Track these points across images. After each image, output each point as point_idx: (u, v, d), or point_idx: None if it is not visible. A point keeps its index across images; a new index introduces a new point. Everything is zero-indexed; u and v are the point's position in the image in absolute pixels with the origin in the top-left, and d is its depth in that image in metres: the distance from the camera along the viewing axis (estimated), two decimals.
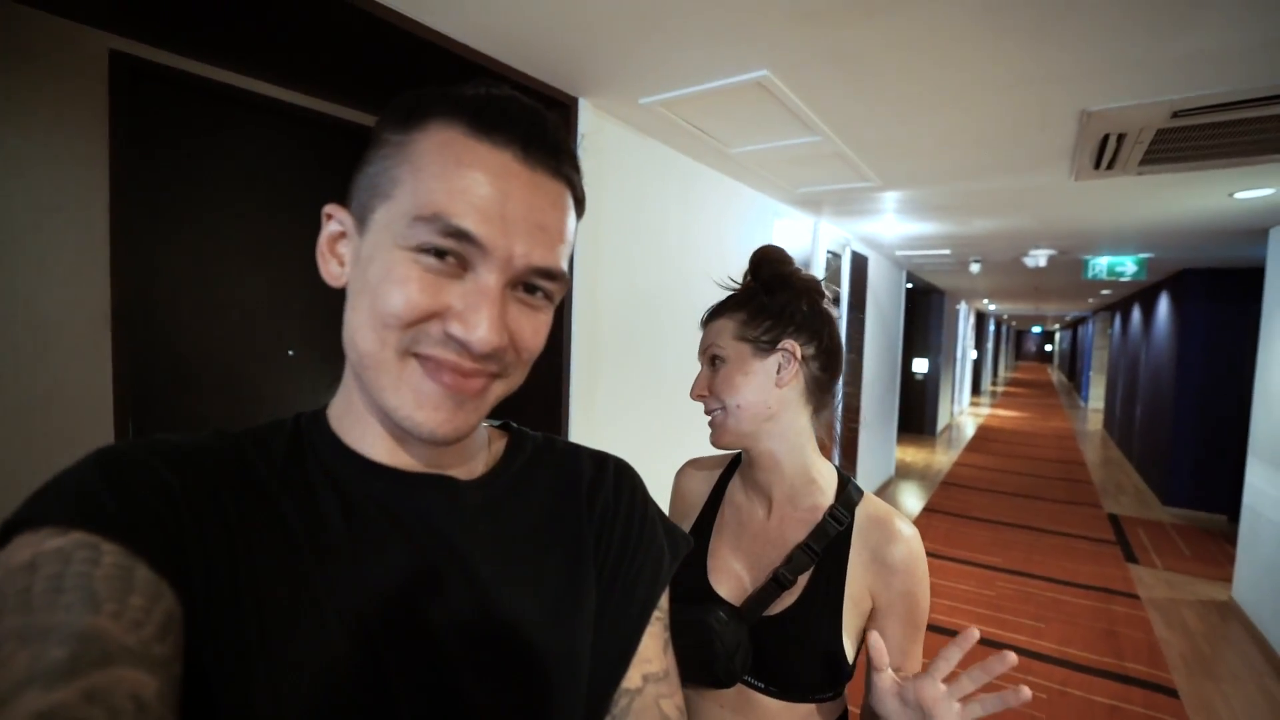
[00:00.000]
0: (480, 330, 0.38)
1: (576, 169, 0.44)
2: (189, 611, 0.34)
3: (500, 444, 0.53)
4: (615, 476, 0.55)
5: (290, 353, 1.82)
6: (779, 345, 0.79)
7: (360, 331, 0.40)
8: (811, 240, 3.60)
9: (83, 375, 1.37)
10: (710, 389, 0.81)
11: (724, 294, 0.87)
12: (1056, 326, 24.43)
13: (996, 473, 6.70)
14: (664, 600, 0.53)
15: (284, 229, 1.77)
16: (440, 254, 0.38)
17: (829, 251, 3.85)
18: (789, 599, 0.77)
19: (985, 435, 9.32)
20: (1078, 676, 2.66)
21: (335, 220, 0.43)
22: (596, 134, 1.84)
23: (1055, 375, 24.30)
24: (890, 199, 3.00)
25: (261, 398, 1.74)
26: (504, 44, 1.43)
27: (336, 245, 0.43)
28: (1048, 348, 34.06)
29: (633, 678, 0.49)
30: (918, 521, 4.85)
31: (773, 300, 0.81)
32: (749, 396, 0.79)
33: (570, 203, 0.43)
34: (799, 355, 0.80)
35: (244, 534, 0.38)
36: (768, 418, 0.79)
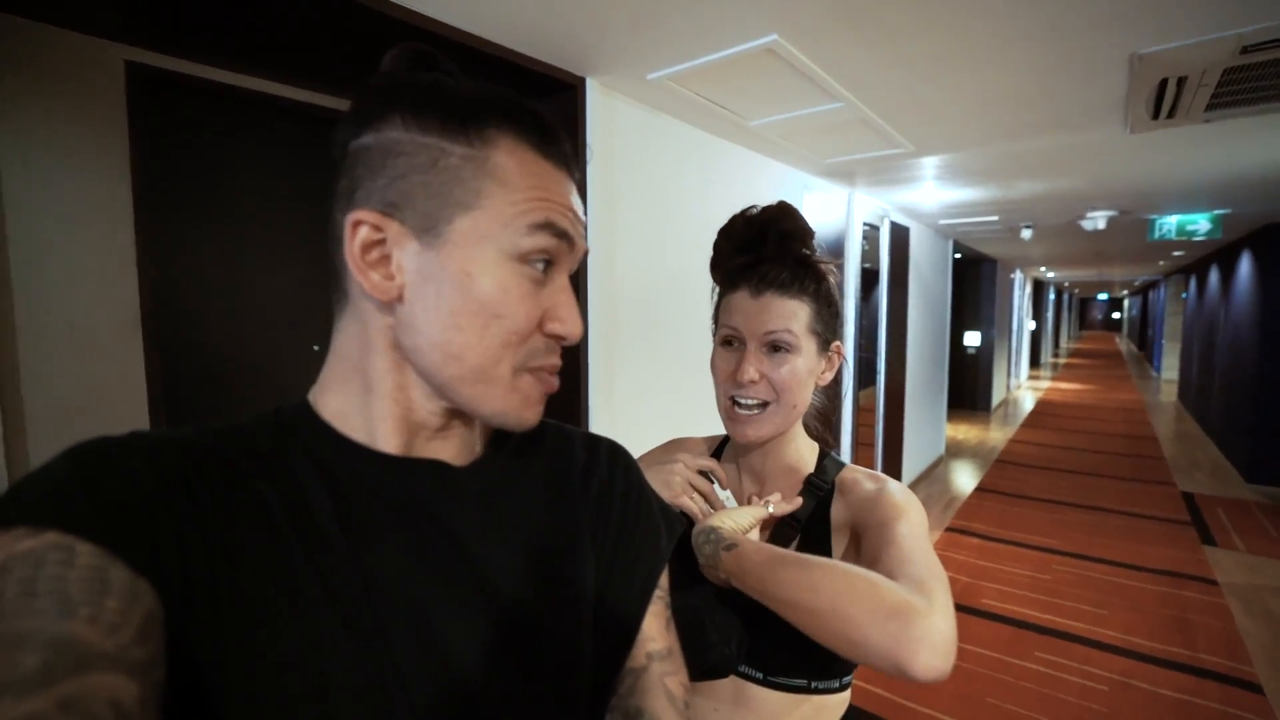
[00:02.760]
0: (574, 324, 0.45)
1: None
2: (171, 611, 0.33)
3: (487, 430, 0.52)
4: (609, 458, 0.55)
5: (316, 349, 1.86)
6: (831, 345, 0.77)
7: (472, 349, 0.42)
8: (846, 213, 3.45)
9: (117, 378, 1.43)
10: (762, 376, 0.72)
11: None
12: (1124, 293, 22.97)
13: (1056, 449, 6.36)
14: (663, 579, 0.54)
15: (305, 227, 1.80)
16: (547, 262, 0.43)
17: (866, 224, 3.68)
18: None
19: (1044, 410, 8.86)
20: (1143, 668, 2.50)
21: (367, 227, 0.41)
22: (607, 114, 1.79)
23: (1124, 344, 22.90)
24: (928, 165, 2.83)
25: (290, 393, 1.78)
26: (506, 27, 1.40)
27: (370, 253, 0.41)
28: (1115, 315, 32.12)
29: (637, 657, 0.50)
30: (969, 501, 4.66)
31: (824, 288, 0.75)
32: (807, 397, 0.75)
33: None
34: (841, 356, 0.78)
35: (226, 528, 0.37)
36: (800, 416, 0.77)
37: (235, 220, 1.68)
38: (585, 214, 0.48)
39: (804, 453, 0.81)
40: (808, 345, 0.73)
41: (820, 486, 0.76)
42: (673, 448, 0.92)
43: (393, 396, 0.44)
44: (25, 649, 0.27)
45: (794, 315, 0.72)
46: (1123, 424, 7.70)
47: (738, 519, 0.71)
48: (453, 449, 0.47)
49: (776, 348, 0.72)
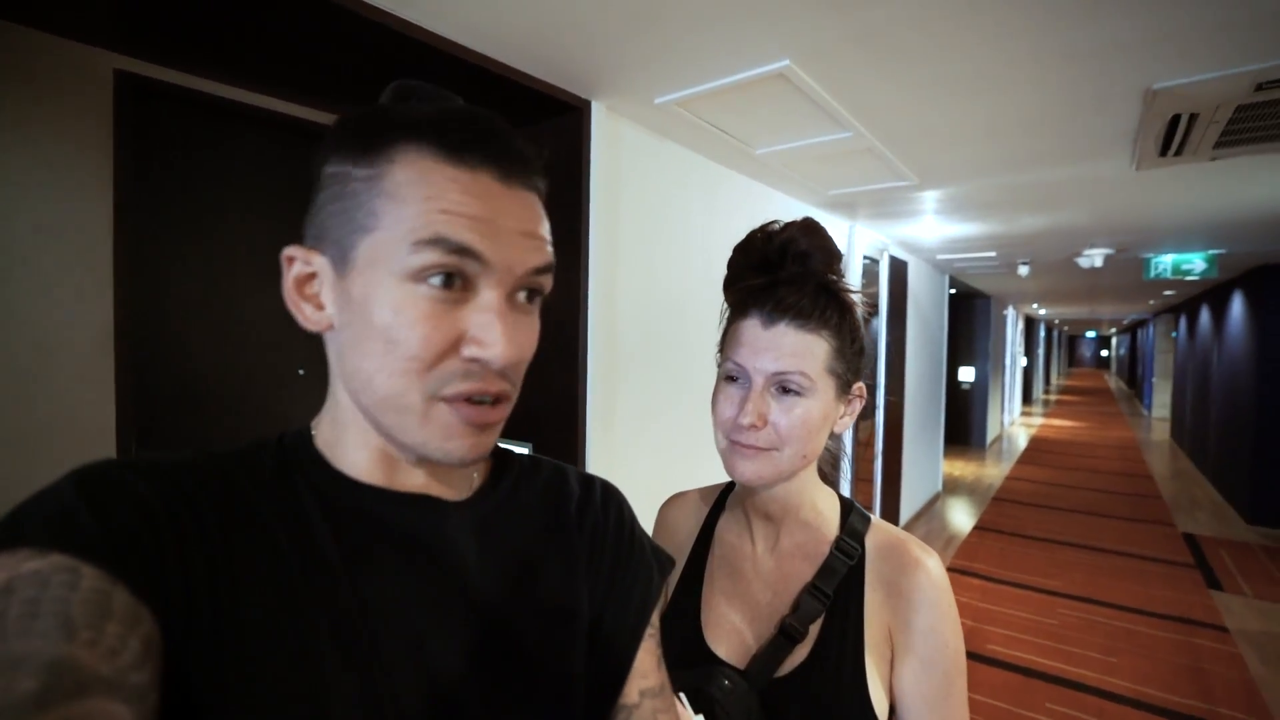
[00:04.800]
0: (497, 347, 0.39)
1: (543, 174, 0.44)
2: (170, 636, 0.33)
3: (486, 464, 0.52)
4: (603, 496, 0.56)
5: (301, 372, 1.77)
6: (853, 387, 0.68)
7: (377, 377, 0.39)
8: (847, 246, 3.44)
9: (85, 397, 1.34)
10: (766, 421, 0.62)
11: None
12: (1113, 330, 23.27)
13: (1053, 487, 6.29)
14: (654, 617, 0.54)
15: (291, 243, 1.73)
16: (447, 278, 0.38)
17: (866, 257, 3.67)
18: (801, 654, 0.64)
19: (1039, 446, 8.82)
20: None
21: (299, 262, 0.42)
22: (611, 138, 1.76)
23: (1113, 382, 23.07)
24: (929, 198, 2.82)
25: (272, 416, 1.70)
26: (512, 48, 1.36)
27: (306, 288, 0.42)
28: (1103, 353, 32.47)
29: (629, 693, 0.50)
30: (969, 540, 4.56)
31: (848, 321, 0.65)
32: (819, 446, 0.66)
33: (543, 208, 0.44)
34: (862, 399, 0.69)
35: (229, 555, 0.37)
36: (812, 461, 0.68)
37: (220, 236, 1.61)
38: (534, 225, 0.42)
39: (821, 504, 0.70)
40: (824, 387, 0.63)
41: (851, 551, 0.66)
42: (668, 507, 0.83)
43: (361, 425, 0.43)
44: (24, 671, 0.27)
45: (809, 352, 0.62)
46: (1118, 461, 7.66)
47: None
48: (445, 483, 0.47)
49: (787, 389, 0.62)
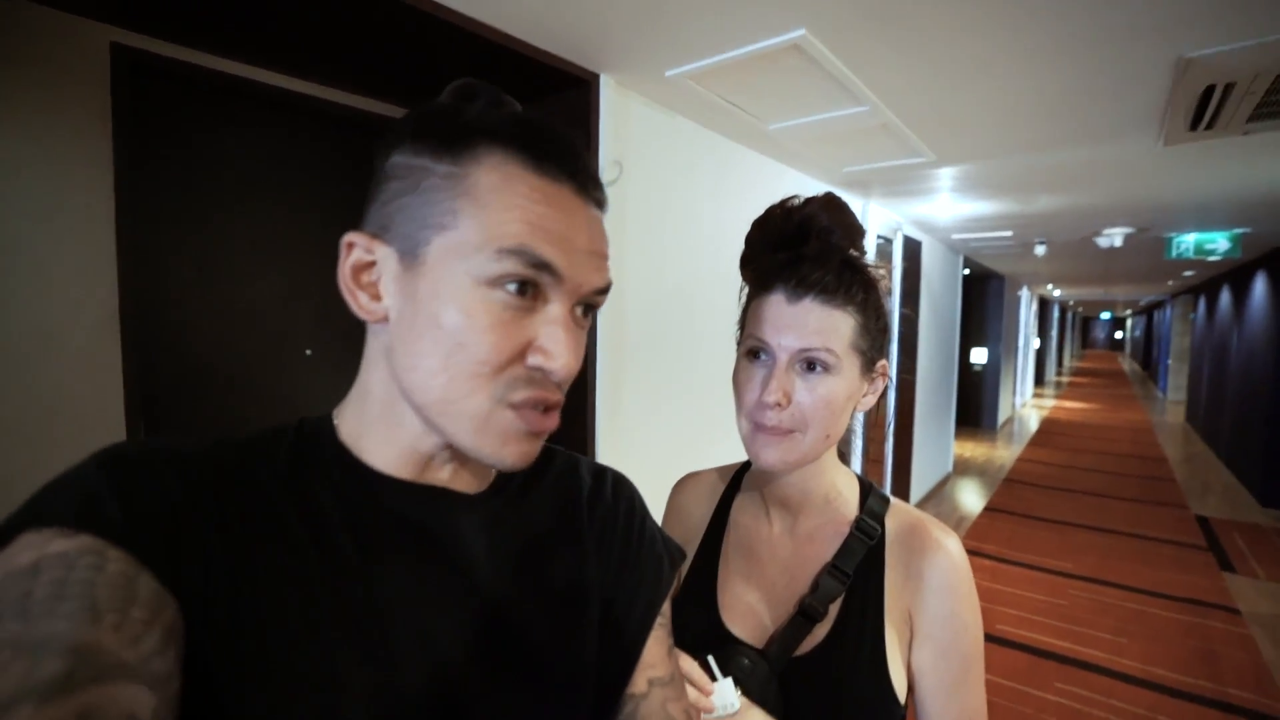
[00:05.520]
0: (562, 359, 0.40)
1: (605, 194, 0.45)
2: (191, 623, 0.33)
3: None
4: (613, 487, 0.56)
5: (308, 353, 1.76)
6: (876, 365, 0.66)
7: (439, 377, 0.39)
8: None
9: (90, 381, 1.33)
10: (790, 399, 0.60)
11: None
12: (1128, 312, 22.95)
13: (1064, 469, 6.25)
14: (665, 606, 0.54)
15: (298, 224, 1.71)
16: (522, 287, 0.39)
17: (879, 236, 3.61)
18: (820, 634, 0.63)
19: (1051, 429, 8.75)
20: (1170, 702, 2.38)
21: (359, 249, 0.41)
22: (620, 113, 1.71)
23: (1127, 364, 22.82)
24: (946, 176, 2.75)
25: (278, 399, 1.69)
26: (518, 19, 1.32)
27: (363, 276, 0.41)
28: (1118, 335, 32.08)
29: (639, 683, 0.50)
30: (979, 521, 4.55)
31: (872, 298, 0.64)
32: (843, 426, 0.64)
33: (604, 229, 0.45)
34: (886, 378, 0.67)
35: (248, 545, 0.37)
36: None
37: (224, 215, 1.59)
38: (601, 244, 0.43)
39: (841, 486, 0.69)
40: (849, 365, 0.61)
41: (871, 531, 0.65)
42: (682, 488, 0.81)
43: (396, 422, 0.43)
44: (50, 654, 0.27)
45: (836, 329, 0.60)
46: (1131, 444, 7.59)
47: None
48: (465, 477, 0.47)
49: (812, 366, 0.61)
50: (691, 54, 1.49)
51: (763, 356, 0.63)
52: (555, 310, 0.41)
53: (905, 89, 1.67)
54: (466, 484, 0.47)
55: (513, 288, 0.39)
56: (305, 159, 1.73)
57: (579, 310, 0.43)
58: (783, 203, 0.66)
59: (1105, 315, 27.12)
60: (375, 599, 0.40)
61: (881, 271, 0.66)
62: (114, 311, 1.35)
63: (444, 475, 0.46)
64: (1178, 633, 2.92)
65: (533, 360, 0.40)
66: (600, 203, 0.44)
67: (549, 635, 0.46)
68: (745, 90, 1.71)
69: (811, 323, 0.60)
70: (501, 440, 0.41)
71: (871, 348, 0.64)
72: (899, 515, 0.67)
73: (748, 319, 0.66)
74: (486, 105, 0.43)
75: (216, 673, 0.34)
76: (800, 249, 0.63)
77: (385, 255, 0.40)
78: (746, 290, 0.69)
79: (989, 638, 2.83)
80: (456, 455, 0.45)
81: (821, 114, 1.87)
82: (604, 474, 0.57)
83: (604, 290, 0.44)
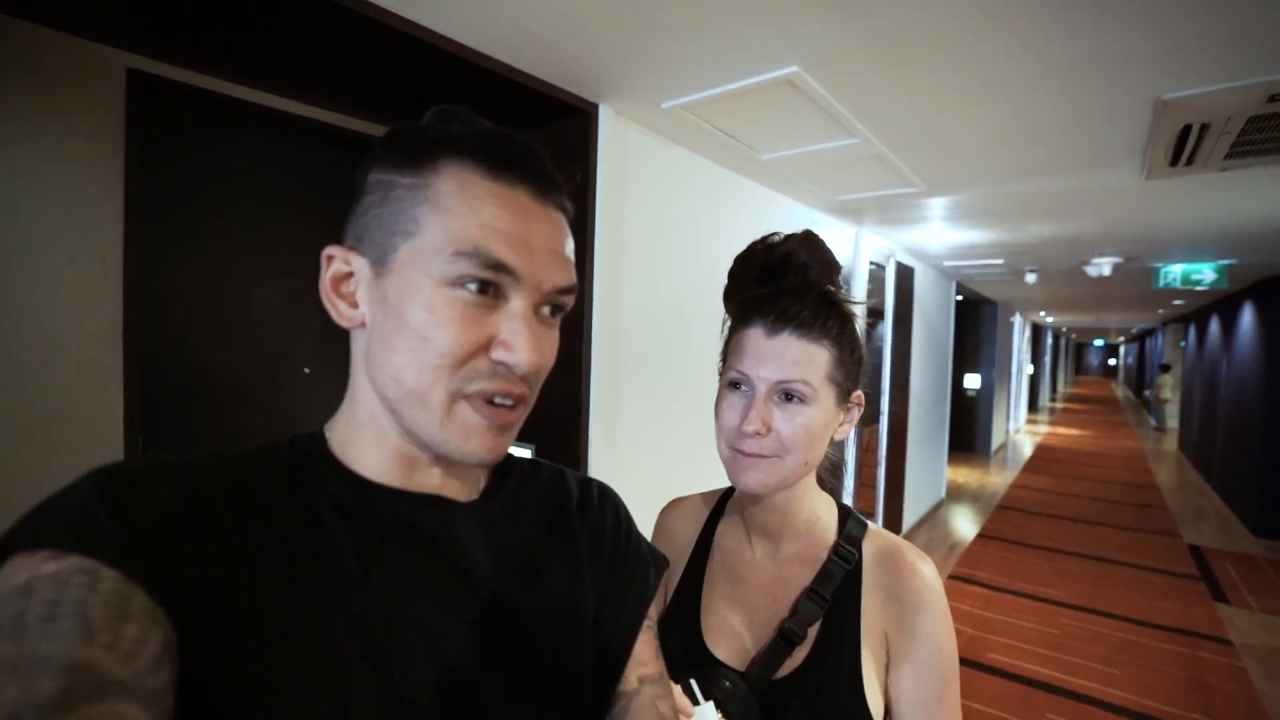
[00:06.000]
0: (523, 352, 0.42)
1: (570, 196, 0.48)
2: (189, 639, 0.33)
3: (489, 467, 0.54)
4: (600, 496, 0.58)
5: (306, 370, 1.78)
6: (851, 396, 0.69)
7: (405, 371, 0.41)
8: (853, 252, 3.43)
9: (91, 393, 1.35)
10: (770, 429, 0.63)
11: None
12: (1121, 339, 23.11)
13: (1057, 496, 6.26)
14: (652, 610, 0.57)
15: (298, 242, 1.74)
16: (482, 286, 0.41)
17: (872, 263, 3.66)
18: (799, 656, 0.65)
19: (1044, 455, 8.77)
20: None
21: (338, 261, 0.44)
22: (617, 142, 1.76)
23: (1120, 391, 22.92)
24: (937, 205, 2.82)
25: (277, 415, 1.71)
26: (521, 51, 1.37)
27: (342, 286, 0.44)
28: (1111, 361, 32.25)
29: (629, 680, 0.52)
30: (972, 548, 4.54)
31: (848, 331, 0.67)
32: (820, 453, 0.67)
33: (569, 230, 0.47)
34: (861, 407, 0.69)
35: (246, 558, 0.37)
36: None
37: (228, 232, 1.62)
38: (561, 244, 0.45)
39: (820, 511, 0.72)
40: (825, 395, 0.64)
41: (848, 556, 0.67)
42: (668, 512, 0.83)
43: (381, 427, 0.45)
44: (45, 673, 0.27)
45: (812, 361, 0.63)
46: (1124, 471, 7.61)
47: None
48: (456, 484, 0.48)
49: (790, 397, 0.64)
50: (688, 87, 1.54)
51: (743, 388, 0.66)
52: (516, 306, 0.43)
53: (894, 119, 1.72)
54: (457, 491, 0.48)
55: (473, 287, 0.41)
56: (309, 181, 1.77)
57: (546, 310, 0.45)
58: (764, 239, 0.70)
59: (1099, 342, 27.33)
60: (379, 605, 0.40)
61: (859, 306, 0.69)
62: (119, 323, 1.37)
63: (433, 481, 0.47)
64: (1170, 663, 2.91)
65: (495, 354, 0.42)
66: (562, 206, 0.46)
67: (549, 637, 0.47)
68: (739, 121, 1.76)
69: (789, 355, 0.63)
70: (465, 433, 0.42)
71: (847, 379, 0.67)
72: (876, 540, 0.69)
73: (729, 351, 0.69)
74: (457, 125, 0.45)
75: (219, 687, 0.34)
76: (779, 284, 0.66)
77: (360, 265, 0.43)
78: (729, 323, 0.71)
79: (981, 666, 2.82)
80: (440, 459, 0.46)
81: (814, 145, 1.93)
82: (589, 484, 0.59)
83: (568, 290, 0.46)
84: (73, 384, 1.32)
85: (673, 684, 0.60)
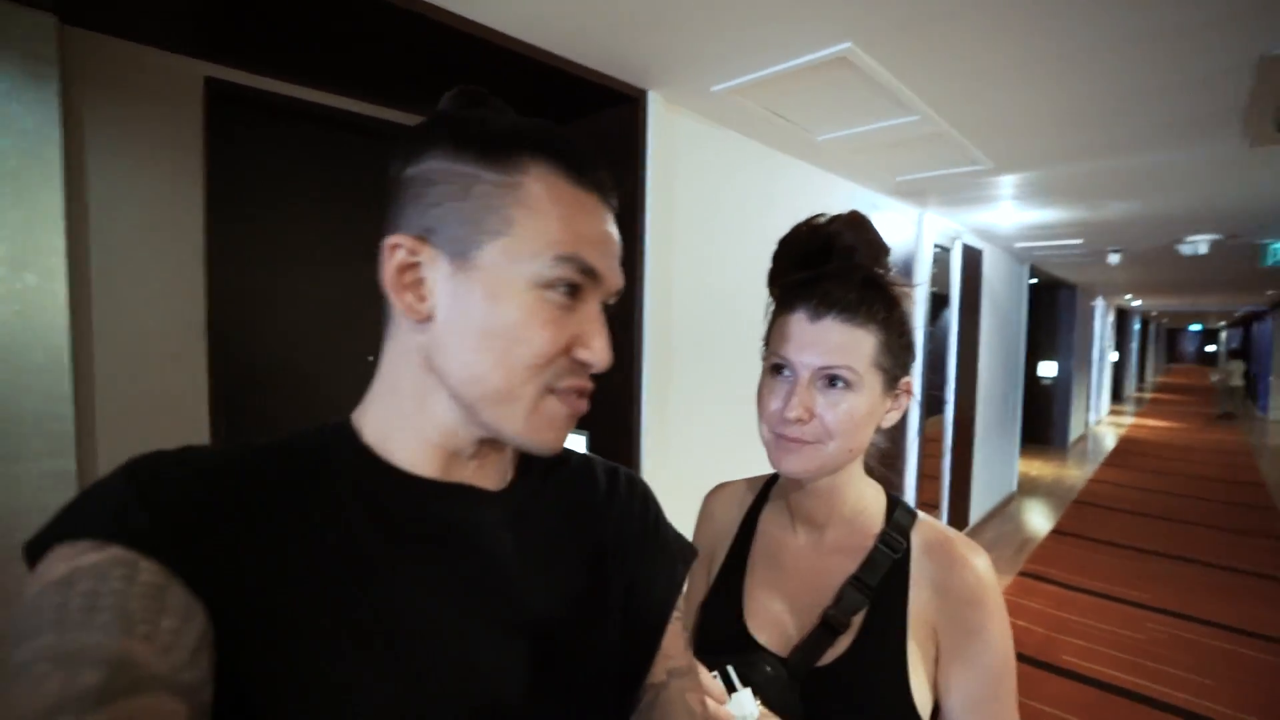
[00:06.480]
0: (603, 352, 0.44)
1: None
2: (223, 632, 0.34)
3: (515, 456, 0.54)
4: (627, 486, 0.58)
5: (370, 359, 1.87)
6: (900, 382, 0.66)
7: (494, 372, 0.42)
8: (916, 235, 3.28)
9: (183, 384, 1.47)
10: (813, 415, 0.62)
11: None
12: (1221, 324, 21.18)
13: (1143, 492, 5.83)
14: (679, 601, 0.56)
15: (361, 238, 1.83)
16: (571, 289, 0.43)
17: (937, 245, 3.50)
18: (842, 645, 0.64)
19: (1128, 448, 8.18)
20: None
21: (403, 250, 0.42)
22: (667, 128, 1.75)
23: (1219, 379, 21.02)
24: (1006, 184, 2.65)
25: (340, 403, 1.80)
26: (569, 40, 1.38)
27: (405, 276, 0.43)
28: (1209, 348, 29.63)
29: (657, 673, 0.52)
30: (1045, 544, 4.30)
31: (895, 315, 0.64)
32: (865, 440, 0.65)
33: None
34: (909, 394, 0.67)
35: (279, 550, 0.38)
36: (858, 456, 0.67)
37: (297, 231, 1.72)
38: (620, 248, 0.47)
39: (867, 499, 0.70)
40: (871, 382, 0.62)
41: (895, 545, 0.65)
42: (713, 497, 0.83)
43: (428, 418, 0.44)
44: (86, 665, 0.28)
45: (857, 346, 0.61)
46: (1222, 467, 7.00)
47: None
48: (487, 474, 0.48)
49: (833, 382, 0.62)
50: (738, 69, 1.51)
51: (785, 373, 0.65)
52: (593, 308, 0.45)
53: (957, 97, 1.63)
54: (488, 480, 0.49)
55: (564, 290, 0.42)
56: (362, 176, 1.85)
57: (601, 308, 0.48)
58: (808, 221, 0.68)
59: (1195, 327, 25.16)
60: (409, 600, 0.41)
61: (909, 289, 0.66)
62: (203, 316, 1.49)
63: (468, 472, 0.47)
64: (1273, 678, 2.68)
65: (579, 355, 0.44)
66: (615, 208, 0.48)
67: (577, 630, 0.47)
68: (792, 103, 1.71)
69: (832, 341, 0.61)
70: (549, 424, 0.44)
71: (894, 365, 0.64)
72: (925, 530, 0.66)
73: (772, 336, 0.68)
74: (496, 114, 0.46)
75: (248, 681, 0.34)
76: (823, 267, 0.64)
77: (432, 257, 0.42)
78: (771, 307, 0.71)
79: (1051, 668, 2.68)
80: (481, 451, 0.47)
81: (871, 124, 1.85)
82: (617, 473, 0.58)
83: (621, 291, 0.48)
84: (165, 371, 1.44)
85: (707, 671, 0.61)
